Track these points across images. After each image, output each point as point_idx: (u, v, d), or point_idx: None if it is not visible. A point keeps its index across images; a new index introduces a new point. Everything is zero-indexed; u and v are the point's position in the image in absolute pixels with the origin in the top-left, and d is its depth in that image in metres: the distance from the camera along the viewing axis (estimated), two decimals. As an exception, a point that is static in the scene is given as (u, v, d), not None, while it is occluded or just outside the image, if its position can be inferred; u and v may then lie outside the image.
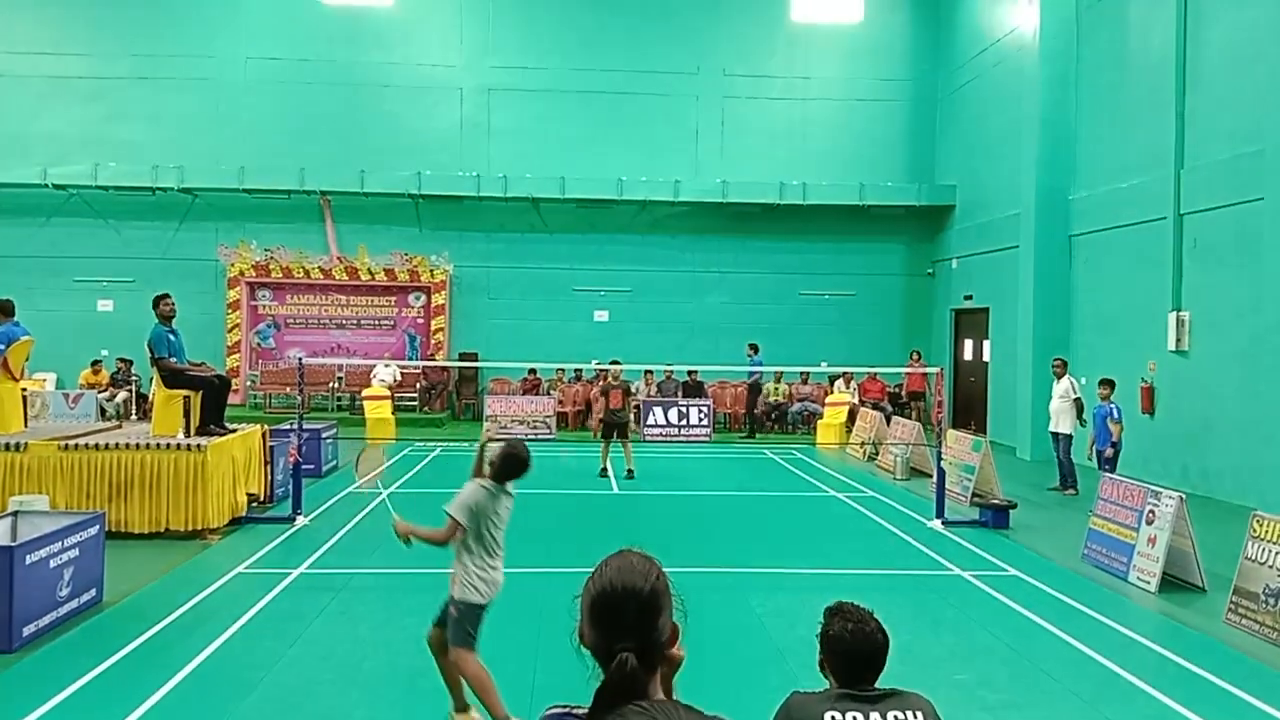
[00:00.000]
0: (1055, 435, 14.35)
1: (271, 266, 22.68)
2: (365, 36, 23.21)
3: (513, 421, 20.10)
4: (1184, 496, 9.07)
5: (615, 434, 15.17)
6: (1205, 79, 14.32)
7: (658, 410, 20.46)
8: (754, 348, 21.18)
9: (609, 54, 23.39)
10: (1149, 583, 8.89)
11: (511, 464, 5.72)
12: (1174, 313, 14.59)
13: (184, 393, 10.71)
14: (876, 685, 2.89)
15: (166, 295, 10.93)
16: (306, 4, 23.03)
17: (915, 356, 22.35)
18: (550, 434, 20.06)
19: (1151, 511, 9.15)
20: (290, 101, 22.99)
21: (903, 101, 24.05)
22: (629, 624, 1.75)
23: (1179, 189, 14.63)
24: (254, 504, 11.62)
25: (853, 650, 2.90)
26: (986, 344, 21.20)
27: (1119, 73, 16.52)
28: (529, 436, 19.69)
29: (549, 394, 21.50)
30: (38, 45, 22.58)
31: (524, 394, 21.45)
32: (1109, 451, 12.95)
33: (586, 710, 1.74)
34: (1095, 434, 13.29)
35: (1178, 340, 14.52)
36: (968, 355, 22.42)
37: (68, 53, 22.61)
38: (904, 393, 22.19)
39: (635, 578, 1.81)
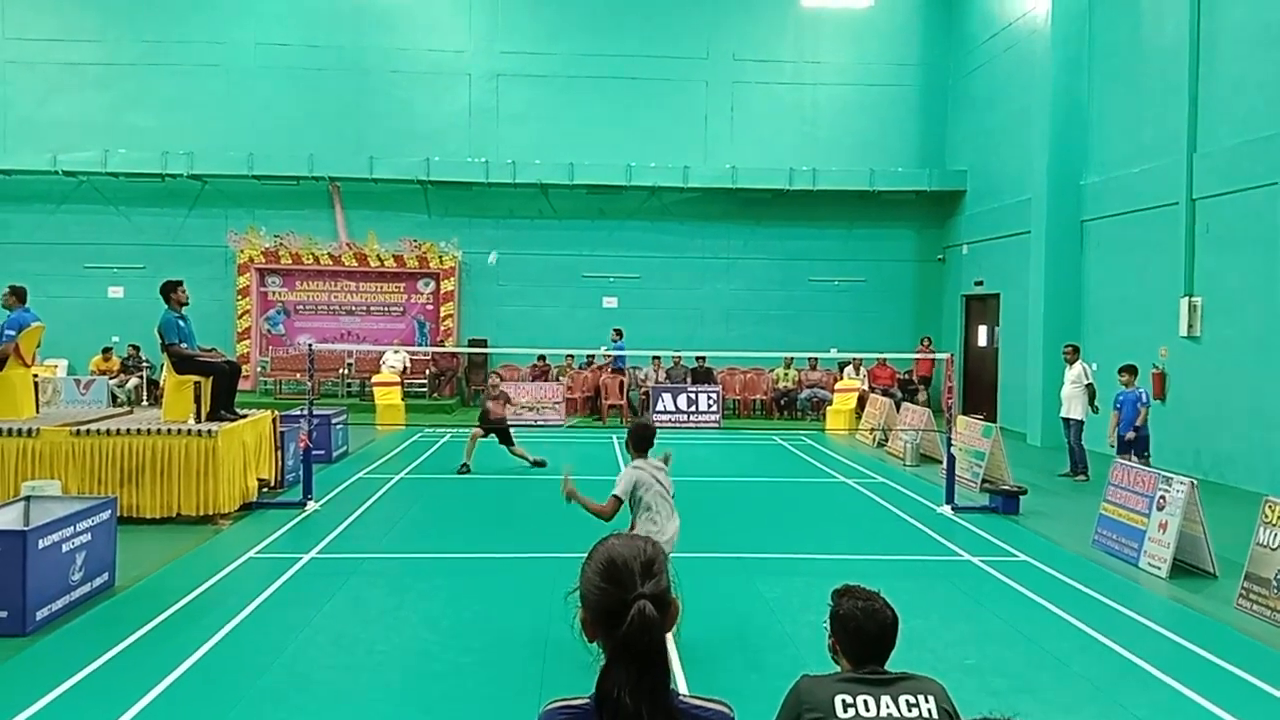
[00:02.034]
0: (1066, 421, 14.29)
1: (281, 253, 22.71)
2: (374, 22, 23.17)
3: (522, 407, 20.11)
4: (1195, 482, 9.04)
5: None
6: (1219, 63, 14.20)
7: (666, 396, 20.46)
8: (618, 332, 21.37)
9: (618, 39, 23.31)
10: (1160, 568, 8.87)
11: (637, 435, 6.76)
12: (1186, 298, 14.52)
13: (194, 378, 10.74)
14: (887, 668, 2.88)
15: (180, 283, 10.93)
16: (315, -11, 23.02)
17: (925, 342, 22.33)
18: (559, 420, 20.07)
19: (1163, 497, 9.12)
20: (299, 88, 22.98)
21: (913, 86, 23.92)
22: (640, 575, 1.90)
23: (1191, 174, 14.53)
24: (264, 489, 11.67)
25: (864, 628, 2.92)
26: (997, 330, 21.13)
27: (1132, 57, 16.40)
28: (538, 423, 19.74)
29: (558, 380, 21.51)
30: (49, 32, 22.61)
31: (533, 380, 21.46)
32: (1130, 435, 12.55)
33: (586, 699, 1.90)
34: (1121, 419, 12.77)
35: (1189, 326, 14.45)
36: (980, 341, 22.34)
37: (78, 39, 22.63)
38: (914, 378, 22.15)
39: (638, 542, 1.99)
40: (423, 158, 22.49)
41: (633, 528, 6.40)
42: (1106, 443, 13.21)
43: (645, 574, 1.91)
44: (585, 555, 2.01)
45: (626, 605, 1.86)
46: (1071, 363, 14.36)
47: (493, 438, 14.62)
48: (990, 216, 21.34)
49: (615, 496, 6.49)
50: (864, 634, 2.92)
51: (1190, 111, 14.62)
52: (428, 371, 22.51)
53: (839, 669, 2.96)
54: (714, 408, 20.43)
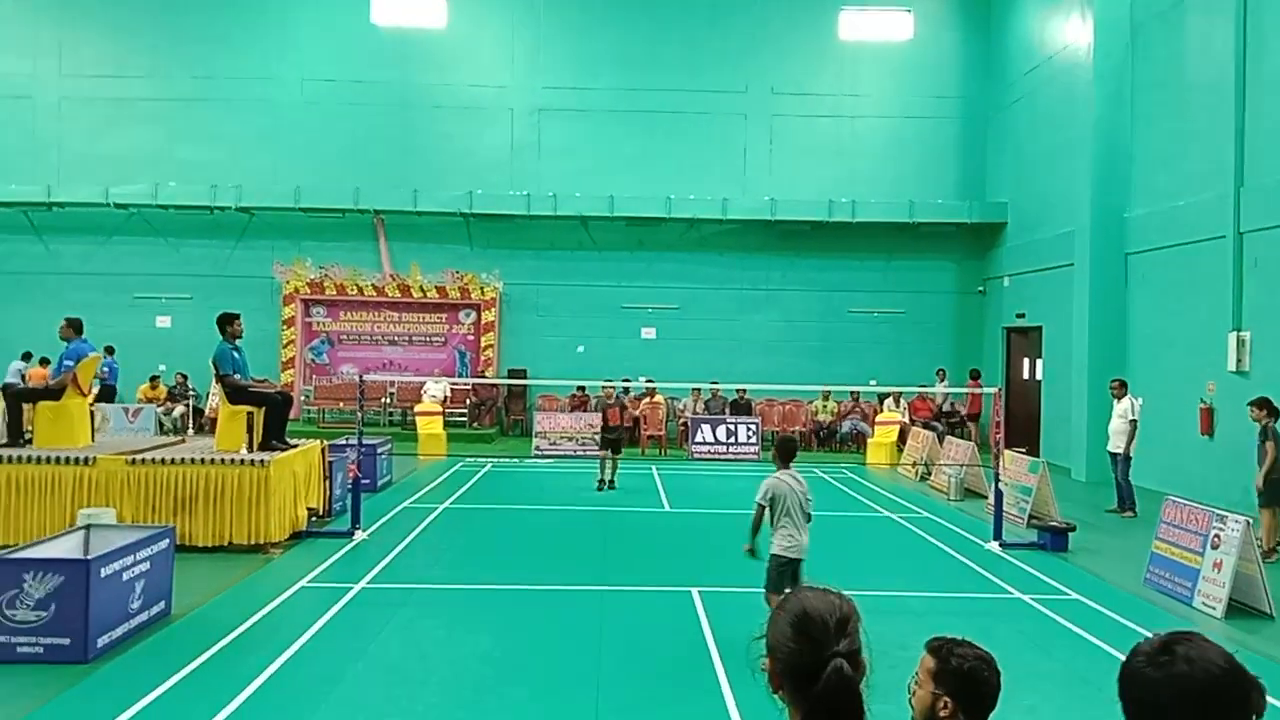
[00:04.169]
0: (1113, 456, 14.12)
1: (326, 284, 23.04)
2: (418, 58, 23.58)
3: (561, 438, 20.21)
4: (1250, 521, 8.93)
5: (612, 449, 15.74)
6: (1266, 96, 14.11)
7: (705, 428, 20.46)
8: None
9: (657, 74, 23.54)
10: (1215, 608, 8.75)
11: (782, 447, 7.55)
12: (1234, 333, 14.36)
13: (247, 409, 10.91)
14: None
15: (237, 316, 11.16)
16: (360, 26, 23.45)
17: (974, 377, 22.07)
18: (598, 451, 20.08)
19: (1217, 536, 9.01)
20: (344, 122, 23.39)
21: (953, 118, 23.93)
22: (835, 632, 1.88)
23: (1239, 207, 14.41)
24: (313, 518, 11.79)
25: (991, 681, 2.69)
26: (1040, 363, 20.96)
27: (1176, 89, 16.33)
28: (577, 453, 19.80)
29: (597, 410, 21.55)
30: (102, 69, 23.21)
31: (571, 410, 21.54)
32: (1261, 483, 11.09)
33: None
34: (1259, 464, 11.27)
35: (1238, 360, 14.28)
36: (1023, 374, 22.16)
37: (130, 75, 23.20)
38: (963, 413, 21.97)
39: (831, 597, 1.96)
40: (465, 191, 22.78)
41: (772, 533, 7.26)
42: (1255, 488, 11.33)
43: (840, 631, 1.88)
44: (779, 610, 1.99)
45: (822, 663, 1.83)
46: (1119, 398, 14.21)
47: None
48: (1032, 249, 21.23)
49: (758, 504, 7.28)
50: (990, 689, 2.69)
51: (1237, 144, 14.52)
52: (468, 401, 22.67)
53: None
54: (753, 439, 20.39)
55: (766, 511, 7.25)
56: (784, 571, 7.12)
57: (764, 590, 7.27)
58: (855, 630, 1.91)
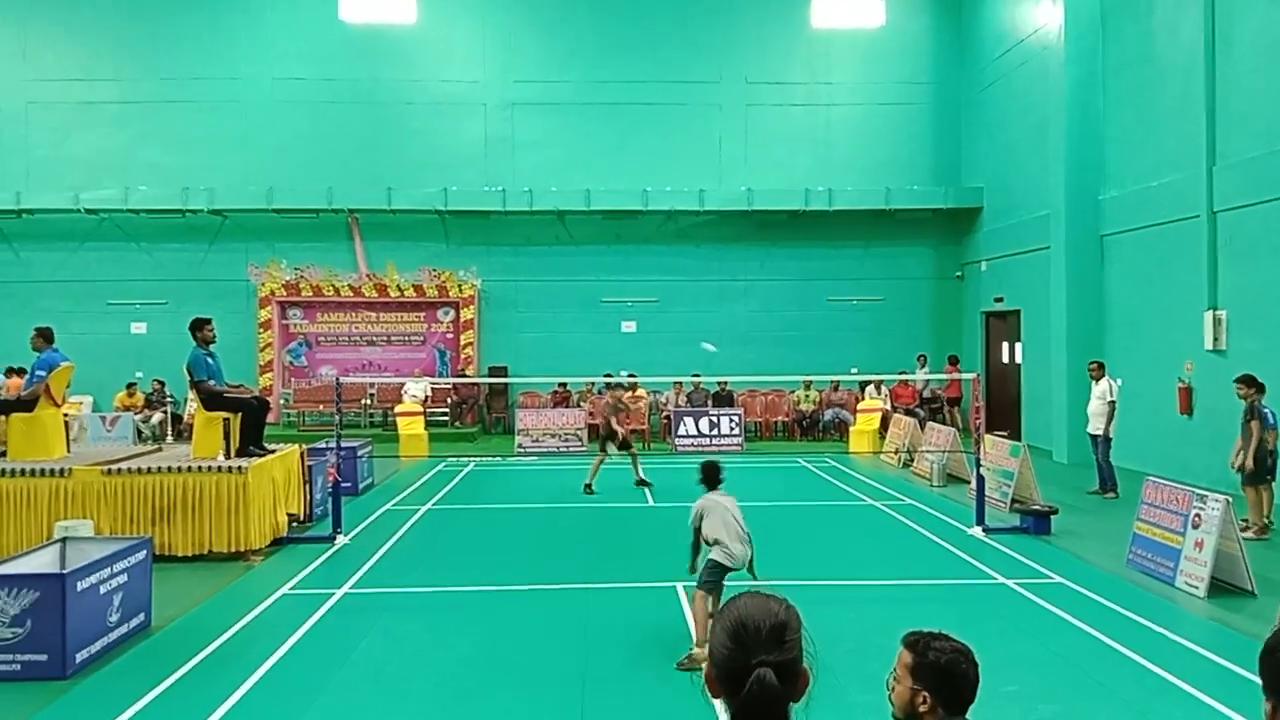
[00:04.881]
0: (1094, 437, 14.19)
1: (302, 285, 22.87)
2: (388, 55, 23.40)
3: (544, 435, 20.15)
4: (1230, 499, 8.97)
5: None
6: (1236, 75, 14.18)
7: (689, 420, 20.45)
8: None
9: (631, 65, 23.45)
10: (1197, 588, 8.79)
11: (706, 473, 7.72)
12: (1210, 311, 14.44)
13: (224, 415, 10.81)
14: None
15: (209, 320, 11.03)
16: (329, 23, 23.24)
17: (953, 362, 22.16)
18: (581, 447, 20.07)
19: (1198, 515, 9.05)
20: (316, 121, 23.21)
21: (926, 104, 23.97)
22: (765, 641, 1.84)
23: (1211, 186, 14.48)
24: (294, 524, 11.70)
25: (969, 674, 2.69)
26: (1018, 346, 21.05)
27: (1147, 70, 16.39)
28: (560, 450, 19.76)
29: (579, 406, 21.53)
30: (68, 72, 22.92)
31: (554, 407, 21.48)
32: (1247, 463, 11.04)
33: None
34: (1242, 442, 11.23)
35: (1215, 339, 14.36)
36: (1002, 358, 22.25)
37: (96, 79, 22.93)
38: (940, 397, 22.08)
39: (771, 604, 1.92)
40: (440, 188, 22.65)
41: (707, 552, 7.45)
42: (1231, 468, 11.54)
43: (773, 639, 1.85)
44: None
45: (749, 670, 1.81)
46: (1098, 379, 14.27)
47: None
48: (1008, 233, 21.30)
49: (691, 527, 7.53)
50: (969, 682, 2.69)
51: (1208, 124, 14.59)
52: (449, 400, 22.57)
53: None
54: (736, 431, 20.40)
55: (703, 533, 7.39)
56: (715, 574, 7.23)
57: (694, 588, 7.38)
58: (793, 640, 1.88)
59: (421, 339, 23.74)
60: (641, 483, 15.17)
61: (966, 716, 2.68)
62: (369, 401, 22.46)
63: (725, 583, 7.21)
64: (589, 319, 23.65)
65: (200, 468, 10.34)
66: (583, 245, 23.73)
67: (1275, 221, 13.25)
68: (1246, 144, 13.90)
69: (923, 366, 22.22)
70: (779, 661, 1.83)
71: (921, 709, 2.68)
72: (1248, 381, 11.31)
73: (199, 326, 10.93)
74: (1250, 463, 11.00)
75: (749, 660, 1.82)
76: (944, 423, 19.68)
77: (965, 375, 16.67)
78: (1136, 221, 16.48)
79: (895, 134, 23.91)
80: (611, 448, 15.15)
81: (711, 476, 7.68)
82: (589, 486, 14.73)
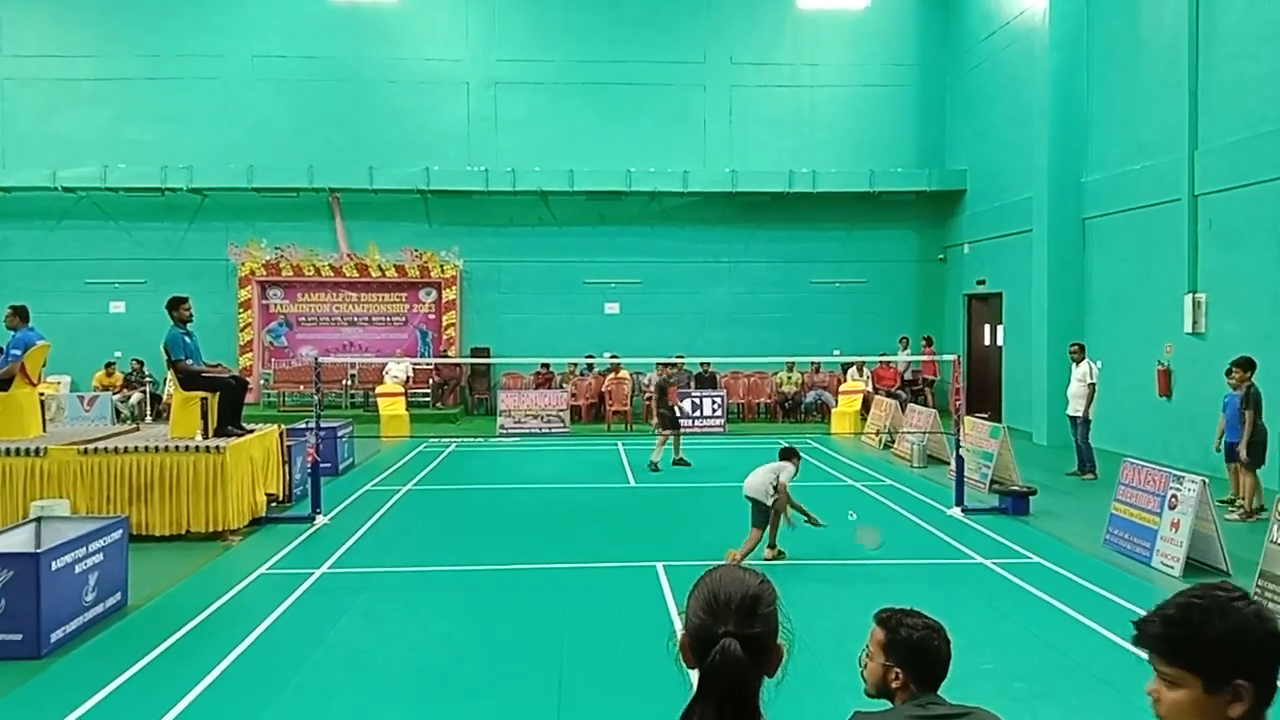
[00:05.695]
0: (1073, 419, 14.26)
1: (282, 265, 22.71)
2: (371, 32, 23.19)
3: (526, 416, 20.11)
4: (1206, 480, 9.03)
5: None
6: (1219, 59, 14.20)
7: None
8: None
9: (615, 45, 23.31)
10: (1173, 567, 8.86)
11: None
12: (1190, 294, 14.50)
13: (201, 394, 10.73)
14: (941, 695, 2.70)
15: (185, 299, 10.93)
16: (312, 1, 23.00)
17: (927, 343, 22.27)
18: (564, 428, 20.05)
19: (1174, 496, 9.11)
20: (297, 99, 23.00)
21: (911, 86, 23.93)
22: (735, 612, 1.82)
23: (1193, 170, 14.52)
24: (273, 504, 11.64)
25: (940, 650, 2.71)
26: (1000, 329, 21.12)
27: (1131, 53, 16.40)
28: (542, 431, 19.73)
29: (561, 388, 21.48)
30: (45, 48, 22.63)
31: (536, 388, 21.42)
32: (1243, 451, 11.06)
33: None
34: (1228, 424, 11.42)
35: (1194, 322, 14.43)
36: (984, 340, 22.33)
37: (75, 55, 22.65)
38: (919, 378, 22.17)
39: (746, 576, 1.91)
40: (422, 167, 22.50)
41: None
42: (1214, 448, 11.94)
43: (744, 611, 1.82)
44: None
45: (716, 640, 1.79)
46: (1078, 361, 14.34)
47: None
48: (991, 215, 21.33)
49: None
50: (940, 658, 2.71)
51: (1191, 107, 14.61)
52: (431, 381, 22.49)
53: (890, 703, 2.72)
54: (719, 412, 20.41)
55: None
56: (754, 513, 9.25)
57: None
58: (767, 614, 1.85)
59: (403, 319, 23.64)
60: (680, 461, 15.32)
61: (938, 692, 2.68)
62: (350, 382, 22.33)
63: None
64: (572, 300, 23.58)
65: (177, 447, 10.27)
66: (566, 226, 23.63)
67: (1255, 206, 13.31)
68: (1228, 128, 13.93)
69: (904, 349, 22.29)
70: (749, 635, 1.80)
71: (894, 685, 2.70)
72: (1245, 365, 11.26)
73: (175, 305, 10.83)
74: (1244, 452, 11.04)
75: (716, 631, 1.80)
76: (924, 404, 19.74)
77: (945, 357, 16.69)
78: (1118, 205, 16.52)
79: (880, 116, 23.87)
80: (654, 424, 15.24)
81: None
82: (654, 465, 15.03)
